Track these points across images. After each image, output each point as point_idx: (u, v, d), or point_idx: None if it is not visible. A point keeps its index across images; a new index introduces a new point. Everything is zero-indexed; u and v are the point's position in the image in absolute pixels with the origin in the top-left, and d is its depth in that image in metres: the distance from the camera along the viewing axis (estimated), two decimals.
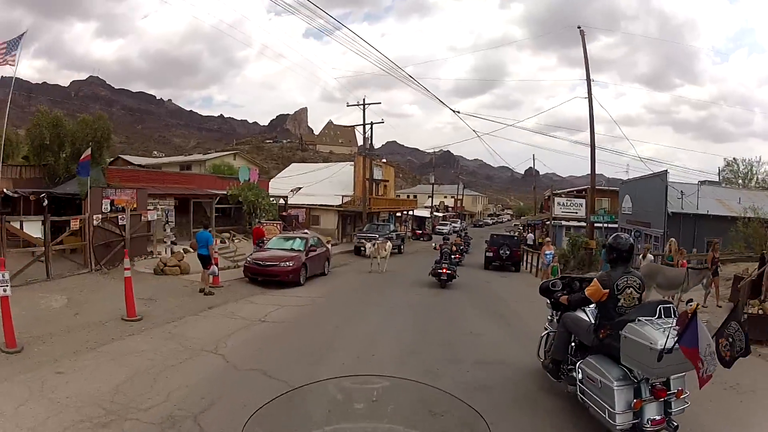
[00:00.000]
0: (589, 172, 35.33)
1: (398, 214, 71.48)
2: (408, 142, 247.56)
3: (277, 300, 18.41)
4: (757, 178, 57.89)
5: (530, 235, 54.58)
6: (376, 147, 72.62)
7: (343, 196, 53.99)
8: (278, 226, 35.81)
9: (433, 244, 31.47)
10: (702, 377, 5.95)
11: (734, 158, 60.65)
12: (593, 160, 33.75)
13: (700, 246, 30.77)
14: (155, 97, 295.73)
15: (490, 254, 37.26)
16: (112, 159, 43.47)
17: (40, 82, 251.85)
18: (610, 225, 37.77)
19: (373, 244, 29.05)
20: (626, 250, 7.66)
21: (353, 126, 51.76)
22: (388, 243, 28.08)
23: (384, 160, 72.36)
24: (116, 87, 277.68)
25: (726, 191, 42.67)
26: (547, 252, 29.55)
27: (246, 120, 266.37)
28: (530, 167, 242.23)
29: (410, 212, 74.98)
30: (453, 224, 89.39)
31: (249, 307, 16.80)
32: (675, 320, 6.41)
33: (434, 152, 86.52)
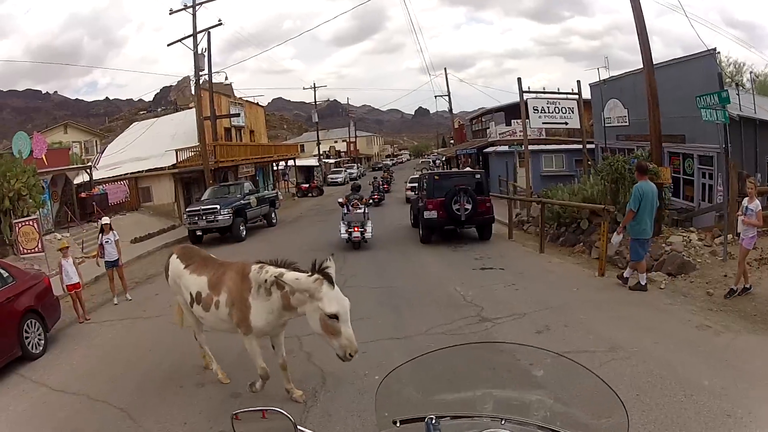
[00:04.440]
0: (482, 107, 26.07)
1: (276, 166, 51.41)
2: (294, 97, 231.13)
3: None
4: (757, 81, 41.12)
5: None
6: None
7: (177, 151, 34.09)
8: (35, 225, 19.17)
9: (339, 200, 21.03)
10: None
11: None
12: (640, 20, 15.78)
13: (762, 169, 19.31)
14: (41, 92, 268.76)
15: (433, 214, 18.98)
16: None
17: None
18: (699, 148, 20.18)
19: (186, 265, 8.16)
20: (357, 188, 20.73)
21: (180, 40, 30.77)
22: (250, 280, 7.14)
23: (244, 97, 50.10)
24: (4, 90, 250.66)
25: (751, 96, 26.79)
26: (750, 206, 10.26)
27: (131, 98, 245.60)
28: (420, 107, 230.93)
29: (289, 162, 54.59)
30: (349, 170, 73.32)
31: None
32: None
33: (314, 87, 65.63)
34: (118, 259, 14.80)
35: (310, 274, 6.21)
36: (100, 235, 14.83)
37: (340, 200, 20.26)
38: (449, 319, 10.05)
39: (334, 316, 5.86)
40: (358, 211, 19.08)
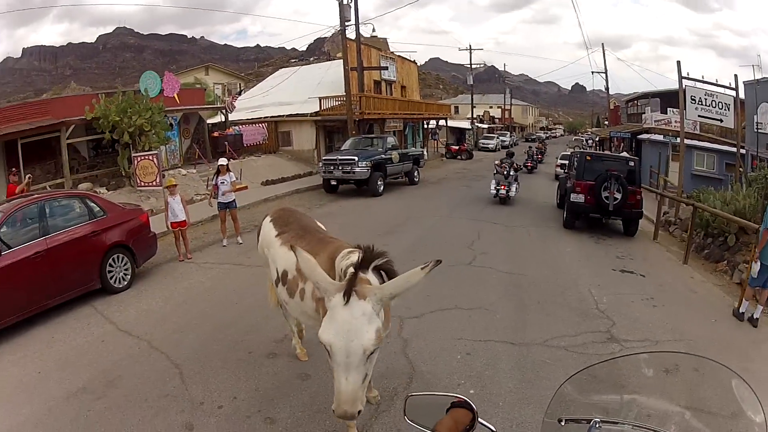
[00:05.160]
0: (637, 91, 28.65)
1: (427, 124, 49.40)
2: (452, 59, 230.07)
3: None
4: None
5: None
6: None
7: (321, 99, 32.88)
8: (154, 160, 18.32)
9: (495, 161, 23.98)
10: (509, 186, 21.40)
11: None
12: None
13: None
14: (186, 36, 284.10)
15: (580, 198, 17.11)
16: None
17: (65, 44, 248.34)
18: None
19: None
20: (511, 153, 24.90)
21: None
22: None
23: (396, 51, 48.95)
24: (145, 33, 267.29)
25: None
26: None
27: (284, 47, 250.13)
28: (577, 83, 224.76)
29: (441, 122, 52.41)
30: (501, 138, 69.51)
31: None
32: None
33: (470, 49, 63.84)
34: (233, 201, 14.18)
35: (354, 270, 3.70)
36: (216, 175, 14.26)
37: (496, 162, 23.29)
38: (576, 330, 8.41)
39: (325, 347, 3.51)
40: (506, 172, 21.94)
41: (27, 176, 15.28)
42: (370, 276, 3.97)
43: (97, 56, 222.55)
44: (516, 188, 22.22)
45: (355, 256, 4.25)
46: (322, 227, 6.22)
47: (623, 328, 8.50)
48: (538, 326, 8.36)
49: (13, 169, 16.10)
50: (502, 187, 21.69)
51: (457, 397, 2.34)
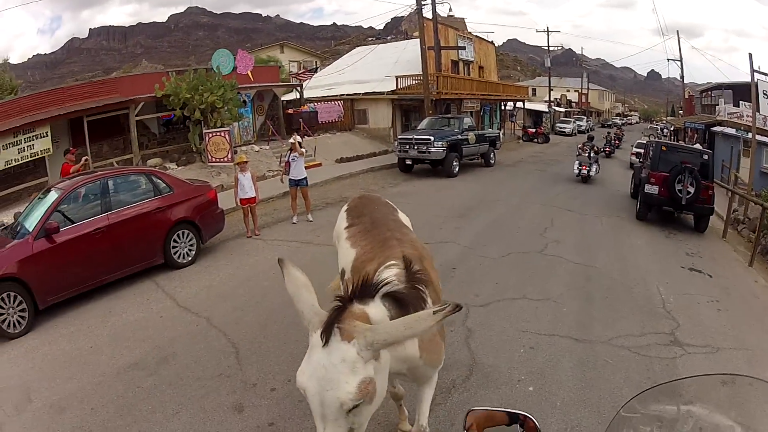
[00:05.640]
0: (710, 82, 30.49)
1: (504, 106, 48.45)
2: (529, 41, 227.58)
3: None
4: None
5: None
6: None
7: (397, 77, 32.37)
8: (226, 137, 19.28)
9: (578, 144, 25.78)
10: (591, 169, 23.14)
11: None
12: None
13: None
14: (261, 14, 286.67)
15: (654, 189, 16.48)
16: None
17: (134, 24, 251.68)
18: None
19: None
20: (591, 137, 29.04)
21: None
22: None
23: (474, 31, 48.48)
24: (218, 12, 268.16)
25: None
26: None
27: (360, 25, 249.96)
28: (652, 70, 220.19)
29: (518, 104, 51.47)
30: (577, 122, 68.09)
31: None
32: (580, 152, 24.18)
33: (548, 31, 62.86)
34: (305, 178, 13.97)
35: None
36: (289, 152, 14.14)
37: (579, 145, 25.27)
38: (640, 329, 8.05)
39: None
40: (588, 154, 23.94)
41: (84, 158, 15.10)
42: (376, 308, 2.92)
43: (169, 35, 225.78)
44: (596, 169, 24.06)
45: (390, 272, 3.46)
46: (404, 219, 5.43)
47: (687, 332, 8.20)
48: (603, 323, 8.09)
49: (72, 149, 15.88)
50: (584, 167, 23.45)
51: (515, 413, 2.35)
